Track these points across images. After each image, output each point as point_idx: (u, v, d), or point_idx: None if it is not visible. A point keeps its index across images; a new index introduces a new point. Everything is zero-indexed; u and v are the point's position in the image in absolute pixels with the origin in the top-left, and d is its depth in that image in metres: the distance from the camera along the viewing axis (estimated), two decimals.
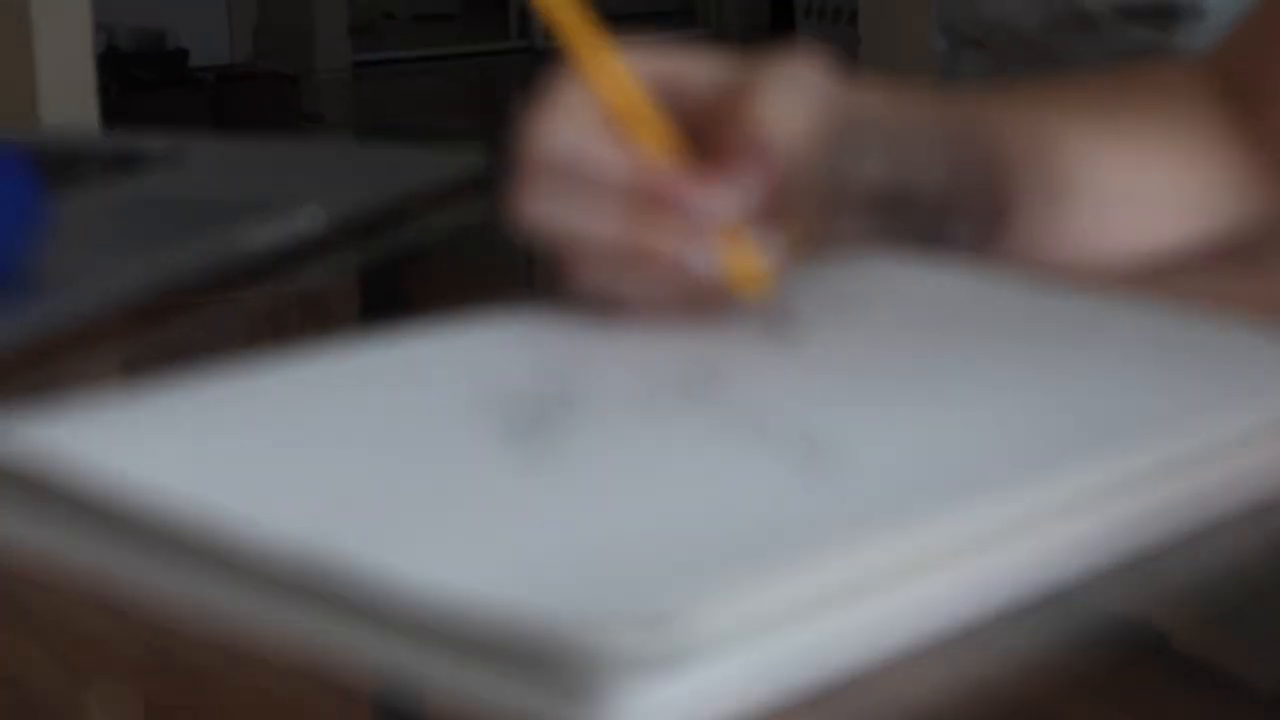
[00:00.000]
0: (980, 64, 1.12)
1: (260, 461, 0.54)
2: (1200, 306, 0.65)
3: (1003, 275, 0.70)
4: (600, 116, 0.65)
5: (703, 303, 0.65)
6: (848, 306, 0.67)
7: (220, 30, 4.75)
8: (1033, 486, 0.51)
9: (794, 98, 0.65)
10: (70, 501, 0.52)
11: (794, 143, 0.65)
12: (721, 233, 0.63)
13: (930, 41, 1.18)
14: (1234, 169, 0.78)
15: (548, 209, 0.64)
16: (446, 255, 0.94)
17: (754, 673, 0.44)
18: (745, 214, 0.64)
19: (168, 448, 0.54)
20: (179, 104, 4.10)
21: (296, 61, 4.61)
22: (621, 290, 0.64)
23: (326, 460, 0.54)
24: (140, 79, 4.18)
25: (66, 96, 2.51)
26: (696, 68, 0.67)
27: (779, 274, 0.65)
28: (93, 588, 0.50)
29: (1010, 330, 0.65)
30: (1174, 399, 0.57)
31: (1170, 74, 0.83)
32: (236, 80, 4.40)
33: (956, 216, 0.74)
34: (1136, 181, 0.77)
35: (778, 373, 0.61)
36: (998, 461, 0.53)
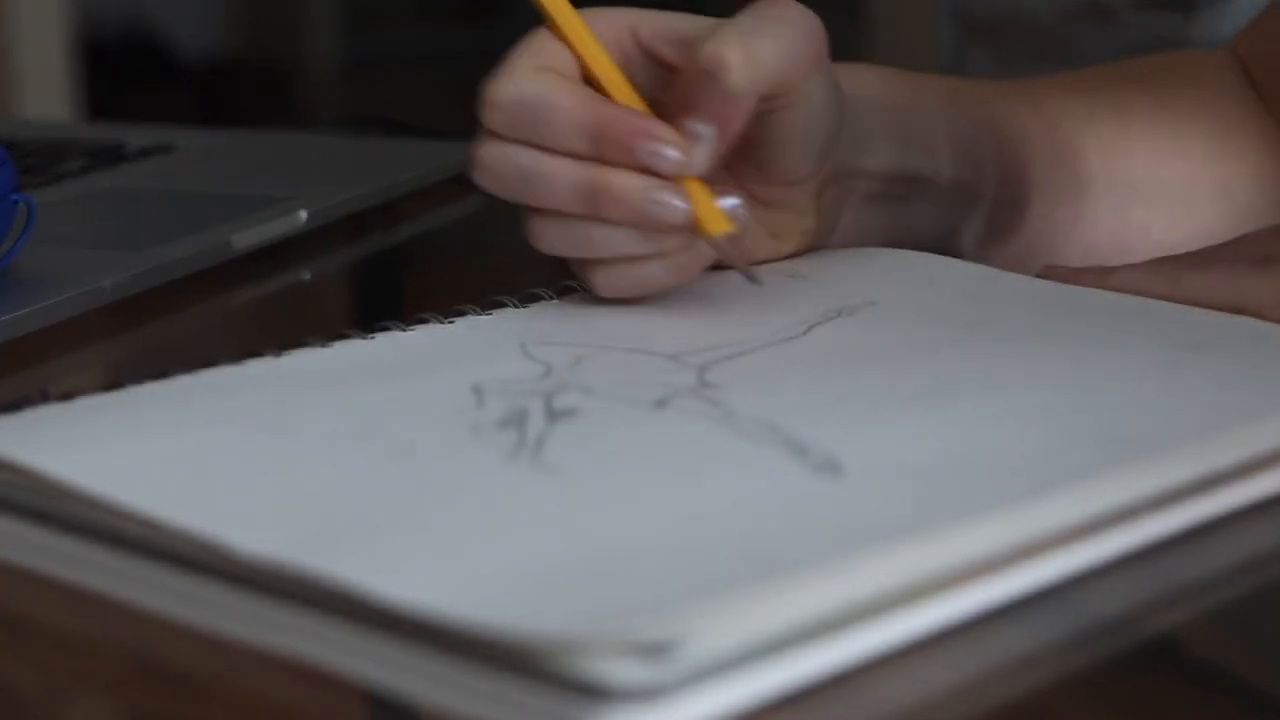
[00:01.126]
0: (988, 53, 1.11)
1: (248, 464, 0.53)
2: (1219, 304, 0.64)
3: (1019, 274, 0.69)
4: (564, 68, 0.65)
5: (671, 268, 0.65)
6: (862, 304, 0.66)
7: (208, 20, 4.74)
8: (1051, 507, 0.49)
9: (761, 36, 0.64)
10: (51, 507, 0.52)
11: (762, 82, 0.64)
12: (683, 176, 0.63)
13: (937, 29, 1.17)
14: (1259, 161, 0.77)
15: (505, 152, 0.64)
16: (439, 251, 0.93)
17: (753, 697, 0.43)
18: (709, 156, 0.63)
19: (151, 450, 0.54)
20: (165, 96, 4.08)
21: (287, 53, 4.61)
22: (581, 244, 0.64)
23: (315, 465, 0.53)
24: (125, 70, 4.17)
25: (46, 87, 2.50)
26: (672, 23, 0.67)
27: (747, 225, 0.65)
28: (76, 595, 0.50)
29: (1031, 331, 0.64)
30: (1202, 406, 0.56)
31: (1195, 63, 0.82)
32: (225, 72, 4.39)
33: (967, 209, 0.73)
34: (1158, 175, 0.76)
35: (787, 375, 0.60)
36: (1018, 474, 0.51)
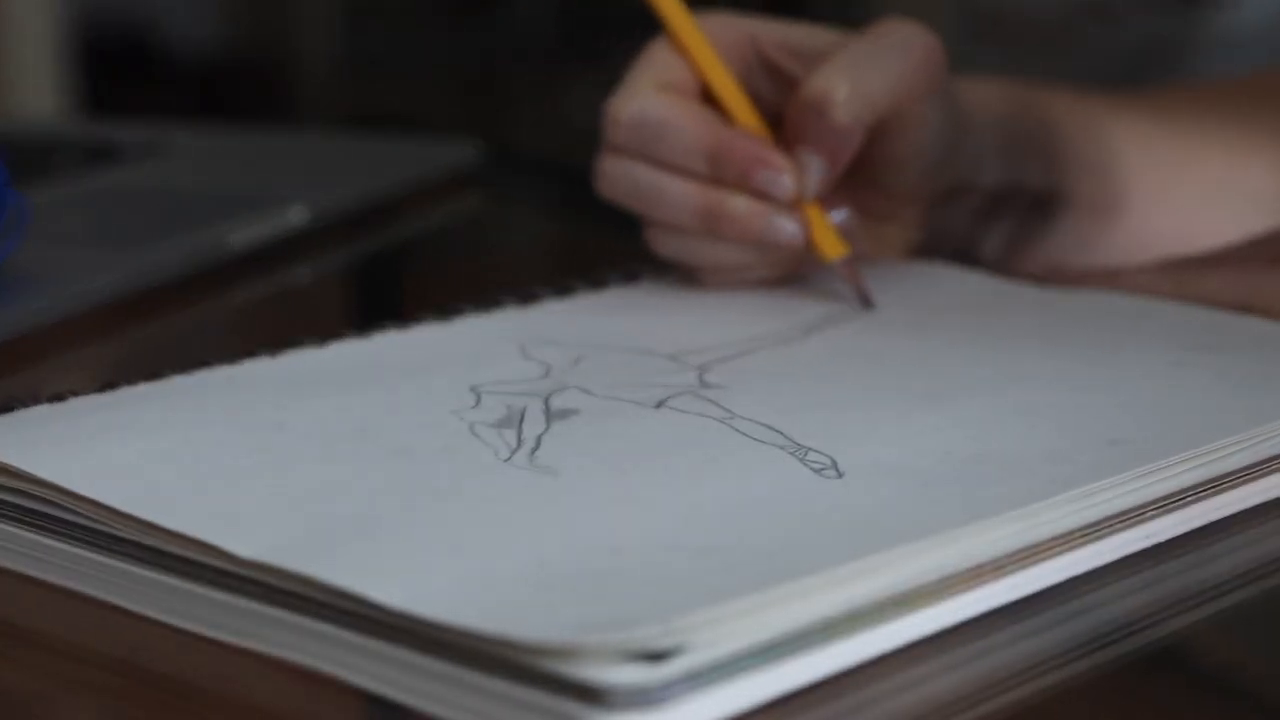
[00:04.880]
0: (993, 51, 1.11)
1: (244, 466, 0.52)
2: (1230, 303, 0.64)
3: (1023, 286, 0.69)
4: (684, 85, 0.67)
5: (778, 269, 0.67)
6: (871, 309, 0.66)
7: (203, 16, 4.74)
8: (1055, 509, 0.49)
9: (870, 67, 0.65)
10: (42, 509, 0.51)
11: (870, 115, 0.65)
12: (800, 200, 0.65)
13: (940, 27, 1.17)
14: None
15: (626, 167, 0.66)
16: (439, 251, 0.93)
17: (752, 700, 0.43)
18: (820, 184, 0.65)
19: (145, 451, 0.53)
20: (161, 93, 4.08)
21: (285, 51, 4.61)
22: (697, 256, 0.67)
23: (312, 466, 0.52)
24: (121, 67, 4.17)
25: (40, 85, 2.49)
26: (791, 35, 0.68)
27: (855, 237, 0.67)
28: (68, 598, 0.50)
29: (1035, 332, 0.64)
30: (1209, 408, 0.56)
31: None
32: (222, 69, 4.39)
33: (999, 215, 0.73)
34: (1216, 192, 0.76)
35: (788, 376, 0.60)
36: (1021, 476, 0.51)
